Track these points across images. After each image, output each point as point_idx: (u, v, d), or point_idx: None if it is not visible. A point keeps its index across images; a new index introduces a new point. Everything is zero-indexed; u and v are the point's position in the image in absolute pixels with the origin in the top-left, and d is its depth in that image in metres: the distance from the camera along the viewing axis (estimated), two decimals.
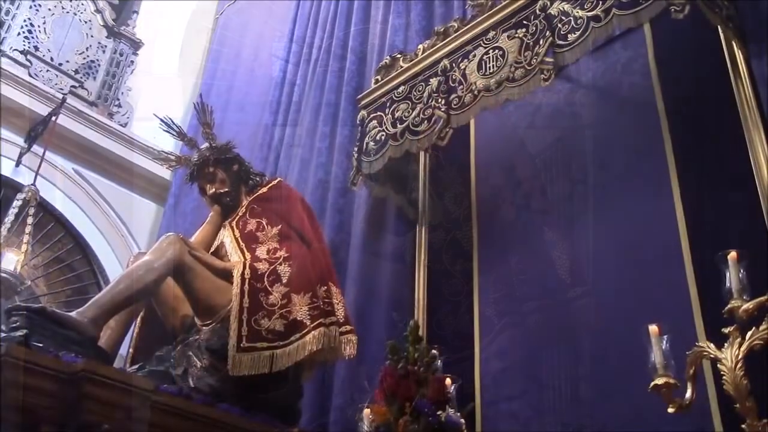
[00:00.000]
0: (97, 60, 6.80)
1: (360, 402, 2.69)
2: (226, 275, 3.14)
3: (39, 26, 6.51)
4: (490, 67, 3.39)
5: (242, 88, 6.55)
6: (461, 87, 3.48)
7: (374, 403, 2.51)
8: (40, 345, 2.48)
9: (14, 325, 2.55)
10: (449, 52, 3.66)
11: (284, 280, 3.08)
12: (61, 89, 6.30)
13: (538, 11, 3.28)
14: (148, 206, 6.58)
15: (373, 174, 3.88)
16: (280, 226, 3.31)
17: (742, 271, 2.23)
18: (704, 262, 2.63)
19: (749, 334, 2.14)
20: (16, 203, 5.49)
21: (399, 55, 4.08)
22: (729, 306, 2.20)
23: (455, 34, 3.70)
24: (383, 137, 3.78)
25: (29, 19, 6.47)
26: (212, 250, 3.37)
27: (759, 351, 2.13)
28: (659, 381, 2.23)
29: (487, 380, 3.31)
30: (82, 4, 6.89)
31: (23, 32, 6.39)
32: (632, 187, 3.26)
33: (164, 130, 3.80)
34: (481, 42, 3.51)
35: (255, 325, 2.95)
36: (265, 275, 3.09)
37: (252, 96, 6.33)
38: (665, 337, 2.29)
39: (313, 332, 2.98)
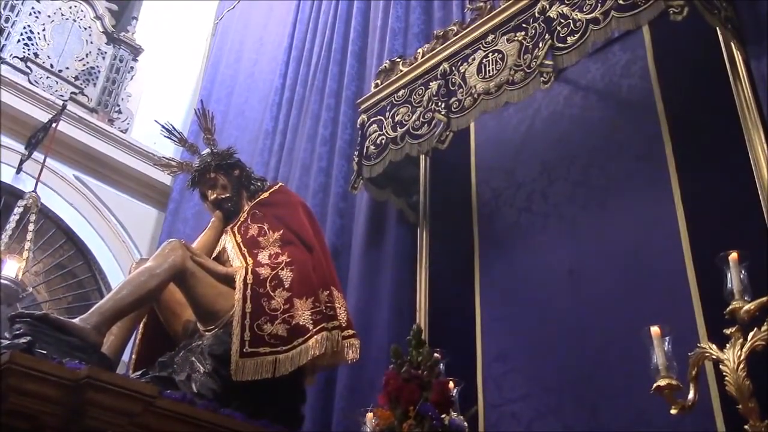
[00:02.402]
0: (97, 66, 6.81)
1: (363, 406, 2.70)
2: (228, 281, 3.14)
3: (39, 33, 6.53)
4: (489, 71, 3.40)
5: (242, 93, 6.56)
6: (461, 90, 3.49)
7: (378, 407, 2.52)
8: (44, 352, 2.49)
9: (18, 332, 2.56)
10: (449, 56, 3.67)
11: (286, 285, 3.09)
12: (62, 96, 6.32)
13: (537, 14, 3.29)
14: (149, 212, 6.59)
15: (373, 178, 3.88)
16: (281, 231, 3.32)
17: (743, 271, 2.23)
18: (705, 263, 2.63)
19: (751, 334, 2.15)
20: (17, 210, 5.50)
21: (398, 59, 4.09)
22: (730, 307, 2.21)
23: (454, 38, 3.71)
24: (383, 141, 3.79)
25: (29, 26, 6.49)
26: (214, 255, 3.38)
27: (761, 352, 2.14)
28: (662, 382, 2.23)
29: (490, 383, 3.31)
30: (82, 11, 6.91)
31: (23, 39, 6.41)
32: (632, 189, 3.26)
33: (165, 136, 3.82)
34: (481, 45, 3.52)
35: (258, 330, 2.96)
36: (267, 280, 3.10)
37: (252, 101, 6.35)
38: (667, 338, 2.29)
39: (315, 337, 2.99)
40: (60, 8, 6.77)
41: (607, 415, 2.87)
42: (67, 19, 6.78)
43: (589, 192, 3.43)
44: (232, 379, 2.89)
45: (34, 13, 6.58)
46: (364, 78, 5.00)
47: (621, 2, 2.92)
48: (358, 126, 4.09)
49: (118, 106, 6.80)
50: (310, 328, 3.01)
